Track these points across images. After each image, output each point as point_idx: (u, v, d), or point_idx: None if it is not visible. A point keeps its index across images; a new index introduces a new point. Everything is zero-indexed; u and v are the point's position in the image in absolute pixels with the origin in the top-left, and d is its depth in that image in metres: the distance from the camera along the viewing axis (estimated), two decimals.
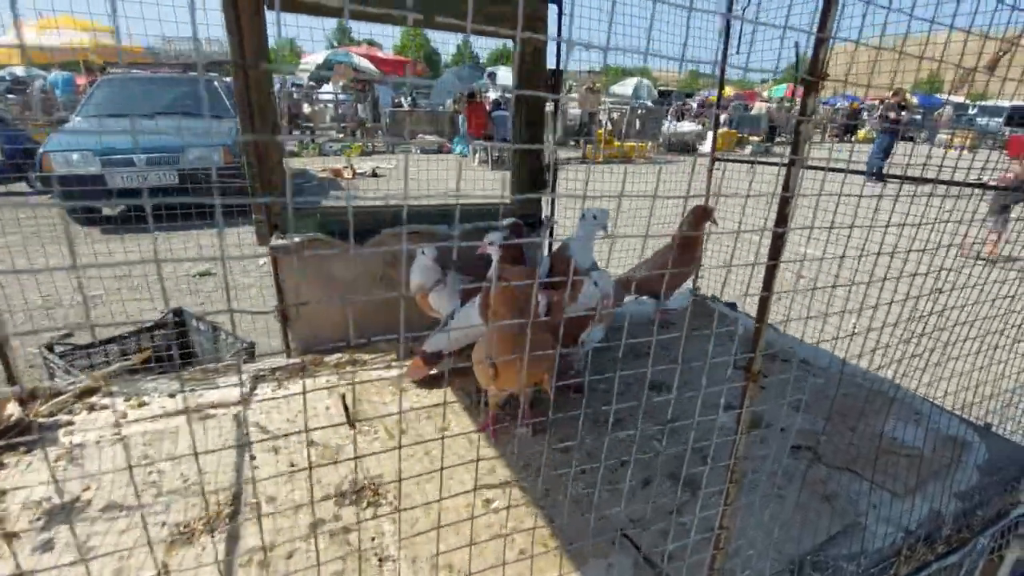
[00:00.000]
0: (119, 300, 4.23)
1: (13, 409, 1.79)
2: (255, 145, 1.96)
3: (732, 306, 2.91)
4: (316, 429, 1.76)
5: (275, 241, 2.06)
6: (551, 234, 2.60)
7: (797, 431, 1.86)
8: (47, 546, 1.30)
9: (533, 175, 2.49)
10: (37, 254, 3.66)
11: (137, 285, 4.46)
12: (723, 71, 2.80)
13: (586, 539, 1.34)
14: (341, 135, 15.63)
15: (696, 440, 1.78)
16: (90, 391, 1.97)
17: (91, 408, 1.88)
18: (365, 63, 17.38)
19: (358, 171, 11.31)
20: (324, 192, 10.01)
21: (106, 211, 7.40)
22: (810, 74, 0.68)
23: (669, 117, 17.09)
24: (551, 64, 2.44)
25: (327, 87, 17.54)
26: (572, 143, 15.72)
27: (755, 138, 14.62)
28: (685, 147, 15.03)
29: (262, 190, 2.03)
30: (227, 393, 1.98)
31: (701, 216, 2.52)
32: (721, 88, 2.89)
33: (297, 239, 2.07)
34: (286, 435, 1.72)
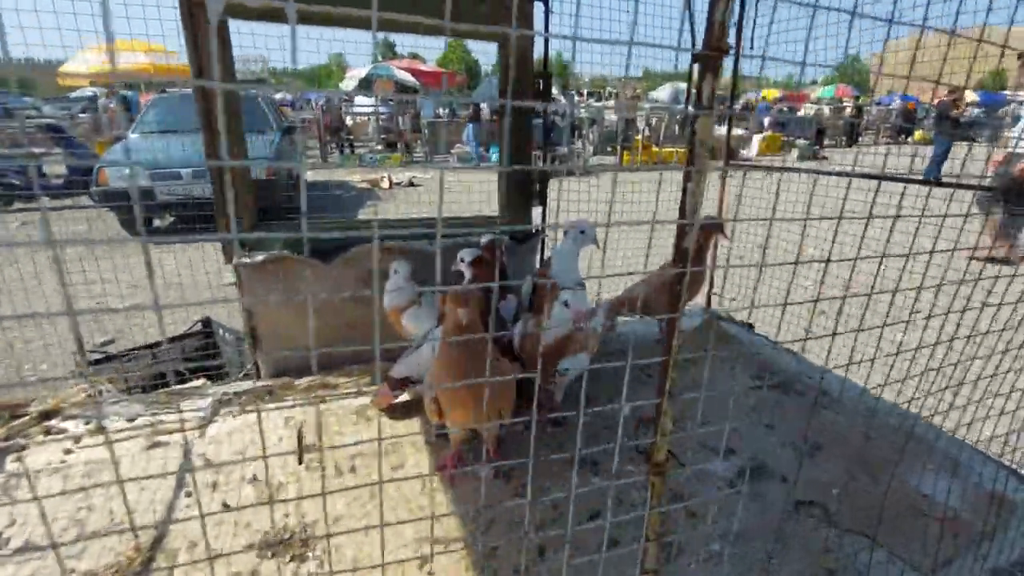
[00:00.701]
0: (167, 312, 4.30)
1: None
2: (216, 177, 1.89)
3: (749, 327, 2.63)
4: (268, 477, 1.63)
5: (240, 259, 1.97)
6: (543, 249, 2.41)
7: (807, 481, 1.59)
8: None
9: (522, 186, 2.31)
10: (91, 267, 3.72)
11: (183, 296, 4.50)
12: (737, 62, 2.54)
13: None
14: (379, 147, 15.94)
15: (681, 491, 1.55)
16: (51, 413, 1.93)
17: (47, 432, 1.83)
18: (406, 76, 17.68)
19: (395, 181, 11.46)
20: (361, 202, 10.18)
21: (156, 222, 7.76)
22: (706, 46, 0.48)
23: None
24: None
25: (363, 99, 17.96)
26: (609, 149, 15.43)
27: (803, 141, 13.84)
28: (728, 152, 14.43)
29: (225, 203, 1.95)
30: (186, 418, 1.90)
31: (709, 229, 2.27)
32: (735, 88, 2.62)
33: (260, 257, 1.97)
34: (223, 507, 1.61)
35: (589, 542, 1.37)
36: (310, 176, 11.25)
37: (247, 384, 2.10)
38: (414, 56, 20.89)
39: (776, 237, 2.42)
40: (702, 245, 2.27)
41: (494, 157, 14.51)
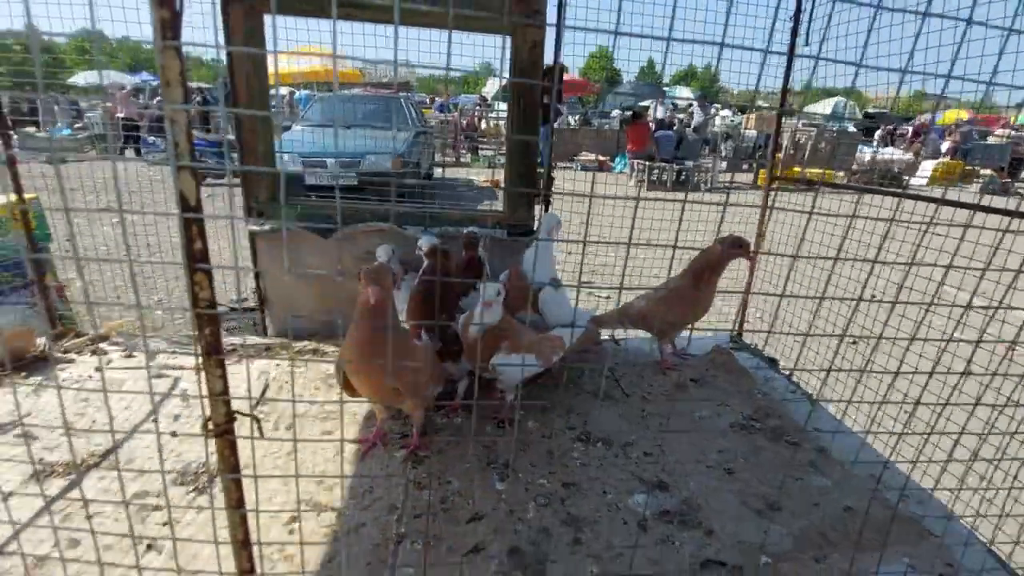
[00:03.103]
0: None
1: (40, 343, 2.20)
2: (240, 136, 2.13)
3: (773, 363, 2.28)
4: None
5: (251, 226, 2.21)
6: None
7: (737, 541, 1.35)
8: None
9: (526, 181, 2.27)
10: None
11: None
12: (788, 73, 2.22)
13: None
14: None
15: (579, 516, 1.42)
16: (104, 337, 2.34)
17: (94, 352, 2.22)
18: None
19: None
20: (480, 200, 10.67)
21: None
22: None
23: (875, 142, 14.54)
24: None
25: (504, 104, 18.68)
26: (745, 167, 14.32)
27: (988, 172, 11.52)
28: (889, 177, 12.56)
29: (248, 189, 2.21)
30: (189, 360, 2.17)
31: (731, 250, 2.03)
32: (784, 97, 2.27)
33: (268, 226, 2.19)
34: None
35: (459, 543, 1.32)
36: (440, 173, 12.01)
37: (252, 339, 2.34)
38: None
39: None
40: (719, 262, 2.05)
41: (617, 168, 14.29)
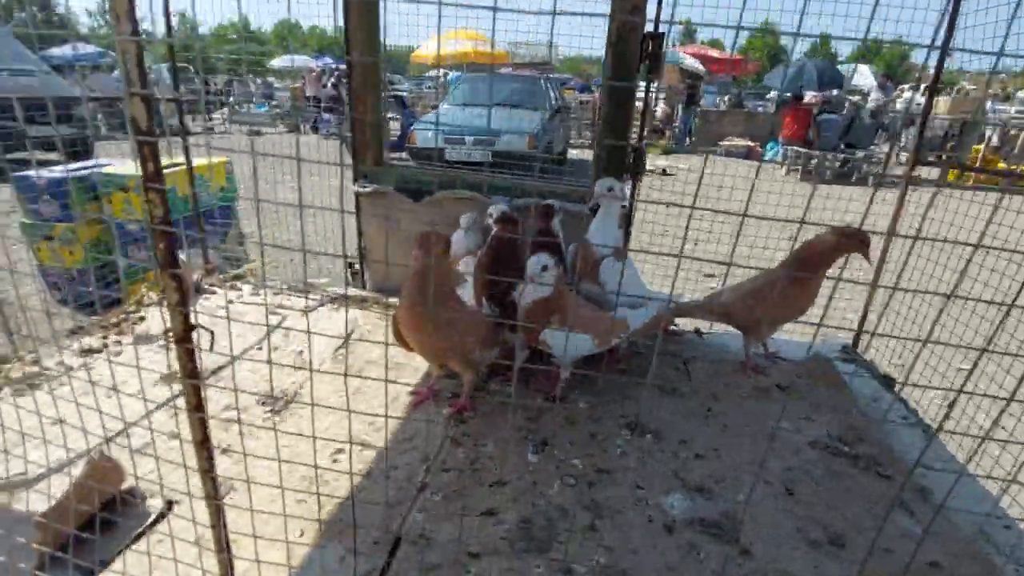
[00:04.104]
0: None
1: (197, 277, 2.65)
2: (353, 121, 2.33)
3: (888, 381, 1.94)
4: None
5: (356, 188, 2.41)
6: (630, 223, 2.23)
7: (777, 567, 1.20)
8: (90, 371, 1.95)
9: (617, 161, 2.17)
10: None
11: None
12: (945, 47, 1.80)
13: None
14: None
15: (601, 503, 1.36)
16: (240, 276, 2.75)
17: (232, 287, 2.62)
18: (693, 62, 17.04)
19: (648, 168, 11.31)
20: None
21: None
22: None
23: None
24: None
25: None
26: (932, 158, 12.12)
27: None
28: None
29: (356, 154, 2.41)
30: (300, 303, 2.47)
31: (846, 242, 1.75)
32: (937, 76, 1.82)
33: (369, 189, 2.37)
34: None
35: (477, 503, 1.35)
36: (573, 154, 11.98)
37: (354, 291, 2.58)
38: (713, 43, 19.78)
39: None
40: (830, 255, 1.78)
41: (769, 154, 13.00)
